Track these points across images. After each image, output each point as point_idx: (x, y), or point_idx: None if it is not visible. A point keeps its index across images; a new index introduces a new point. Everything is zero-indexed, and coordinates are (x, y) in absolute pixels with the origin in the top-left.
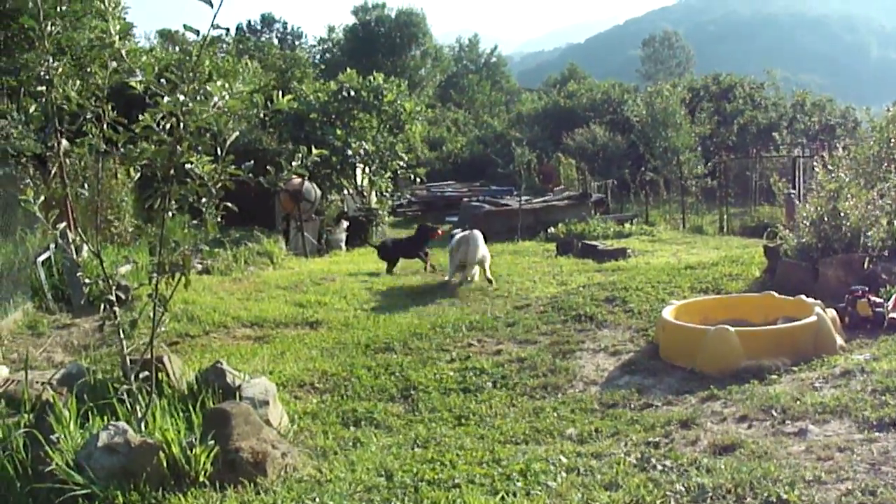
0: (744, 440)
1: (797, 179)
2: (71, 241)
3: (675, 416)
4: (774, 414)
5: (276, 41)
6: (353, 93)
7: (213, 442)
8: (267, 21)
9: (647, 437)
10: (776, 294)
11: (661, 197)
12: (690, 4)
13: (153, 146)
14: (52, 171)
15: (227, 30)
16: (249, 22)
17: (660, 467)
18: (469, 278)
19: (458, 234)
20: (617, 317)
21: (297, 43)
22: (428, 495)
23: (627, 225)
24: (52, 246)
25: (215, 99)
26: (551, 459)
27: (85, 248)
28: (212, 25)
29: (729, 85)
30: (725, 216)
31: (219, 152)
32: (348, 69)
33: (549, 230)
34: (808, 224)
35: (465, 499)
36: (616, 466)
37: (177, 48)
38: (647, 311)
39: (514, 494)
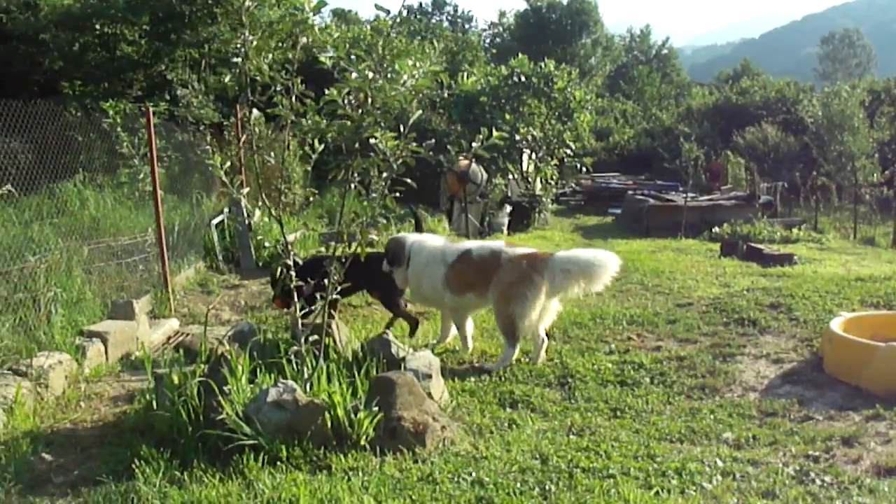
0: None
1: None
2: (245, 206)
3: (837, 431)
4: None
5: (446, 24)
6: (523, 78)
7: (377, 408)
8: (438, 4)
9: (807, 450)
10: None
11: (832, 204)
12: (874, 1)
13: (323, 119)
14: (240, 139)
15: (413, 10)
16: (421, 4)
17: (819, 482)
18: None
19: None
20: (781, 324)
21: (467, 26)
22: (582, 482)
23: (795, 230)
24: (226, 210)
25: (405, 77)
26: (707, 461)
27: (257, 213)
28: (402, 6)
29: None
30: None
31: (401, 129)
32: (519, 54)
33: (713, 230)
34: None
35: (619, 490)
36: (773, 476)
37: (363, 27)
38: (813, 321)
39: (669, 492)
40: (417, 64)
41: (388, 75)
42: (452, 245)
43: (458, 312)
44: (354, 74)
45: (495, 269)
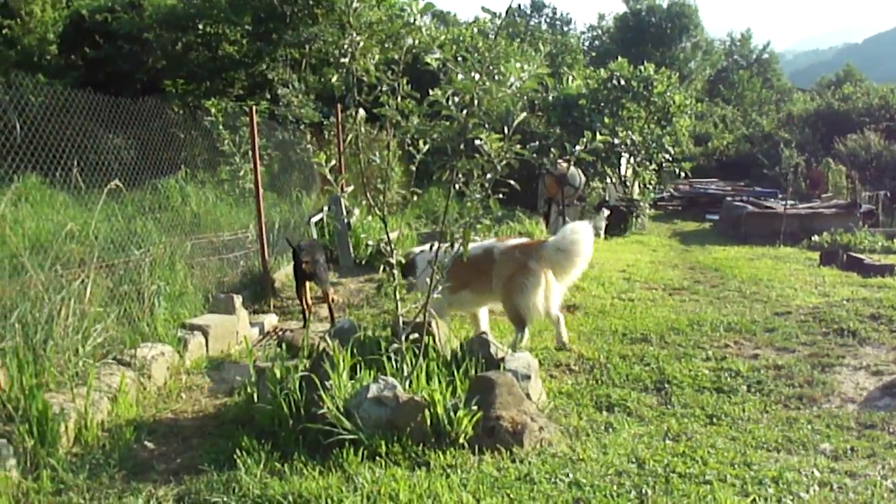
0: None
1: None
2: (344, 205)
3: None
4: None
5: (544, 26)
6: (623, 82)
7: (476, 407)
8: (537, 6)
9: None
10: None
11: None
12: None
13: (421, 119)
14: (342, 139)
15: (513, 12)
16: (520, 6)
17: None
18: None
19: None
20: (881, 335)
21: (566, 29)
22: (679, 487)
23: None
24: (326, 208)
25: (512, 80)
26: (804, 471)
27: (356, 211)
28: (507, 10)
29: None
30: None
31: (506, 131)
32: (618, 58)
33: (812, 238)
34: None
35: (716, 496)
36: (872, 488)
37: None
38: None
39: (766, 500)
40: (524, 67)
41: (495, 77)
42: None
43: (467, 309)
44: (461, 76)
45: (491, 265)
